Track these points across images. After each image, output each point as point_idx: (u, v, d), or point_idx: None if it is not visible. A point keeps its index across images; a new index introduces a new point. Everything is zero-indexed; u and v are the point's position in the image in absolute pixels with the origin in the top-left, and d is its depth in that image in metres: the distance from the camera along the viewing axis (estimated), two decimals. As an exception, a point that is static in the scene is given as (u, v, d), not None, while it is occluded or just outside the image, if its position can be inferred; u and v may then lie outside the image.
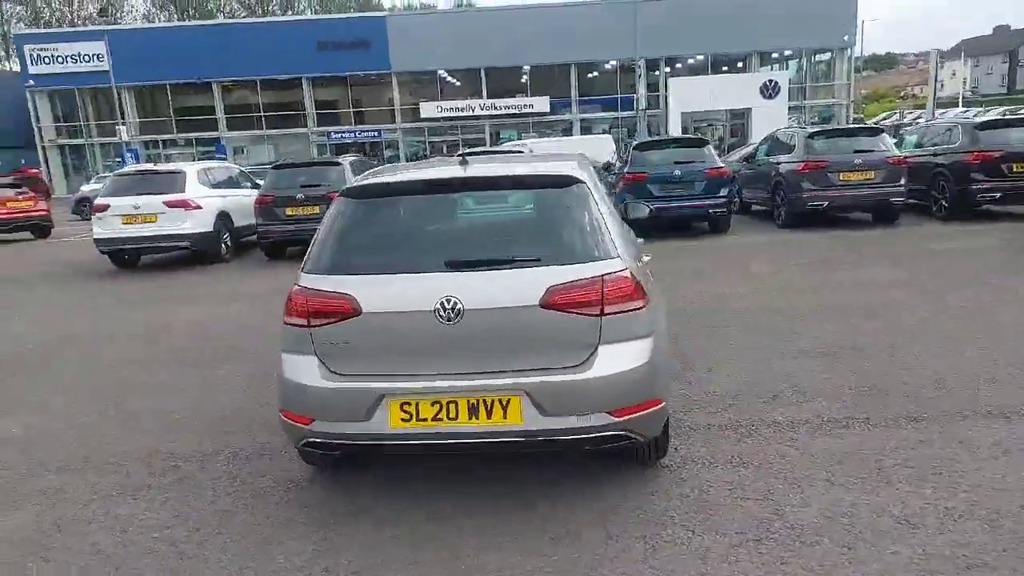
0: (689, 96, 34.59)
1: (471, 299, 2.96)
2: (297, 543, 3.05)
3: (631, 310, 3.05)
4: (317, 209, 11.54)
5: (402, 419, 2.99)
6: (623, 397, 3.01)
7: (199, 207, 11.61)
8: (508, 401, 2.96)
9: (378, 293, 3.04)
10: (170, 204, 11.39)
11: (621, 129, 38.29)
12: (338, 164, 12.14)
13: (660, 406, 3.14)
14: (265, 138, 40.92)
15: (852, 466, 3.43)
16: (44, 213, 18.70)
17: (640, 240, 4.11)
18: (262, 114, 40.76)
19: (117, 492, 3.64)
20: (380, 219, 3.30)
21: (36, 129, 40.12)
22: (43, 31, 46.43)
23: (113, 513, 3.42)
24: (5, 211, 17.90)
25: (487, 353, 2.99)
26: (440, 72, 40.59)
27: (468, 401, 2.96)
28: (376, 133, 40.92)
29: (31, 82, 38.91)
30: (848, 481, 3.28)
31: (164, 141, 41.07)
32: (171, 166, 12.80)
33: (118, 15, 60.44)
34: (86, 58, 38.80)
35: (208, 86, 40.03)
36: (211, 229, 11.76)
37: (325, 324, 3.07)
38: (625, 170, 12.28)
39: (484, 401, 2.96)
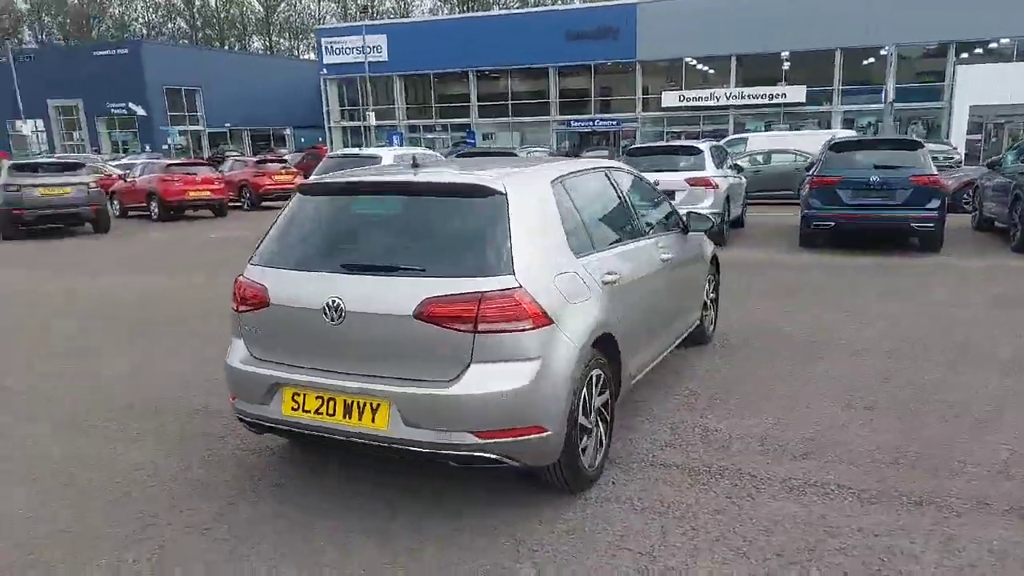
0: (983, 87, 29.72)
1: (353, 302, 3.03)
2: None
3: (513, 331, 2.91)
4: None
5: (292, 408, 3.16)
6: (490, 419, 2.90)
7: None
8: (377, 406, 3.00)
9: (283, 287, 3.23)
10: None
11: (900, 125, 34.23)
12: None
13: (541, 435, 2.97)
14: (511, 125, 43.01)
15: (789, 544, 2.92)
16: (304, 184, 21.93)
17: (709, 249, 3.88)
18: (509, 102, 42.87)
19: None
20: (309, 217, 3.47)
21: (325, 112, 46.19)
22: (338, 25, 53.05)
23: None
24: (271, 183, 21.00)
25: (366, 357, 3.05)
26: (687, 59, 39.41)
27: (345, 400, 3.06)
28: (615, 123, 40.99)
29: (324, 71, 44.89)
30: (767, 564, 2.81)
31: (425, 126, 45.03)
32: (370, 150, 14.12)
33: (407, 9, 67.24)
34: (369, 50, 43.71)
35: (465, 75, 43.04)
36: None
37: (246, 311, 3.34)
38: (813, 172, 11.04)
39: (358, 403, 3.03)
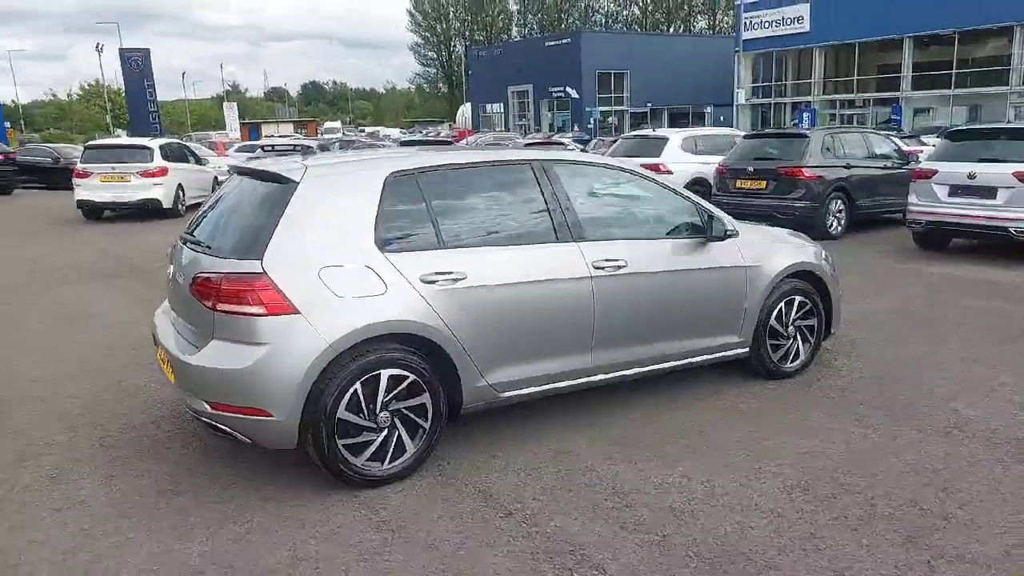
0: None
1: (177, 272, 3.55)
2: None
3: (246, 314, 3.12)
4: (764, 184, 10.96)
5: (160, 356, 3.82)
6: (218, 393, 3.19)
7: (669, 172, 12.39)
8: (167, 363, 3.50)
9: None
10: (647, 167, 12.52)
11: None
12: (805, 136, 11.01)
13: (267, 418, 3.13)
14: (951, 98, 36.26)
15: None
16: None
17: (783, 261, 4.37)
18: (953, 71, 36.08)
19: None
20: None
21: (736, 90, 45.05)
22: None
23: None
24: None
25: (178, 320, 3.56)
26: None
27: (164, 354, 3.60)
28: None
29: (739, 47, 43.69)
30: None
31: (843, 101, 40.79)
32: (660, 132, 13.79)
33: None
34: (789, 22, 41.14)
35: (898, 42, 37.54)
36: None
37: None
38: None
39: (168, 359, 3.53)
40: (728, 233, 4.35)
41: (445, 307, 3.41)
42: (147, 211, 13.96)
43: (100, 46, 48.40)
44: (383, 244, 3.36)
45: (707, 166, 12.55)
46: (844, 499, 3.24)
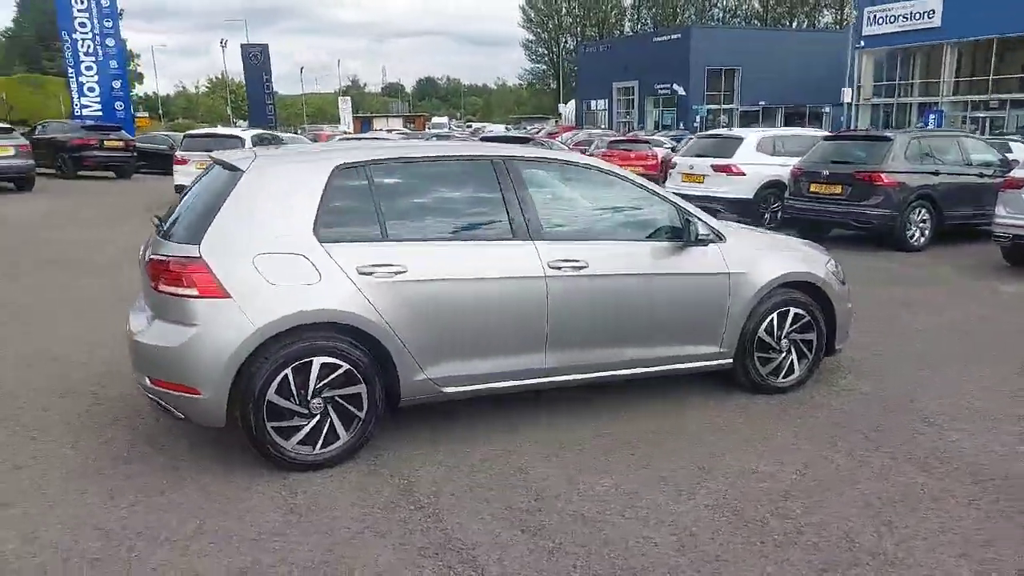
0: None
1: (144, 255, 3.77)
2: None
3: (181, 295, 3.29)
4: (840, 189, 10.34)
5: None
6: (156, 369, 3.38)
7: (742, 173, 11.91)
8: None
9: None
10: (716, 168, 12.10)
11: None
12: (888, 139, 10.28)
13: (195, 396, 3.28)
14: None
15: None
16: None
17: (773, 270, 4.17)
18: (1106, 70, 32.63)
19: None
20: None
21: (855, 88, 42.49)
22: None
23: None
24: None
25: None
26: None
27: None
28: None
29: (861, 43, 41.23)
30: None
31: (975, 103, 37.70)
32: (736, 131, 13.23)
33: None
34: (917, 16, 38.49)
35: (1043, 37, 34.30)
36: (750, 197, 11.92)
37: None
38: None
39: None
40: (700, 238, 4.14)
41: (382, 299, 3.45)
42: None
43: (224, 42, 51.44)
44: (322, 234, 3.44)
45: (785, 168, 11.91)
46: (771, 524, 3.04)
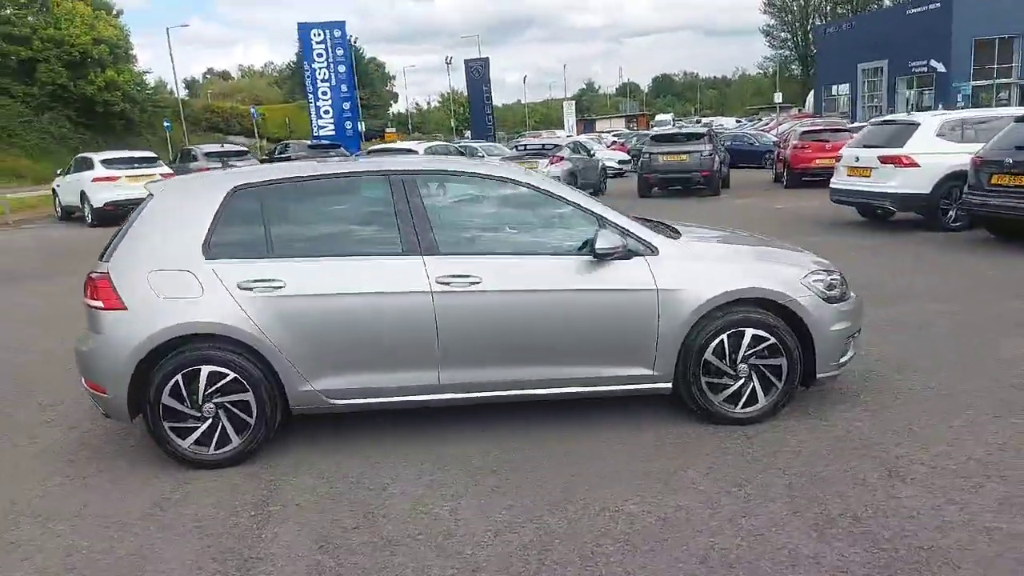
0: None
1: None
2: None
3: (94, 308, 3.78)
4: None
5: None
6: (83, 370, 3.90)
7: (915, 165, 10.29)
8: None
9: None
10: (884, 160, 10.59)
11: None
12: None
13: (103, 394, 3.75)
14: None
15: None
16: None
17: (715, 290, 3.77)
18: None
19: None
20: None
21: None
22: None
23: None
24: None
25: None
26: None
27: None
28: None
29: None
30: None
31: None
32: (915, 116, 11.35)
33: None
34: None
35: None
36: (927, 191, 10.26)
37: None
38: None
39: None
40: (608, 252, 3.74)
41: (260, 313, 3.65)
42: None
43: (449, 59, 55.65)
44: (210, 252, 3.72)
45: (972, 156, 10.13)
46: (595, 561, 2.74)
